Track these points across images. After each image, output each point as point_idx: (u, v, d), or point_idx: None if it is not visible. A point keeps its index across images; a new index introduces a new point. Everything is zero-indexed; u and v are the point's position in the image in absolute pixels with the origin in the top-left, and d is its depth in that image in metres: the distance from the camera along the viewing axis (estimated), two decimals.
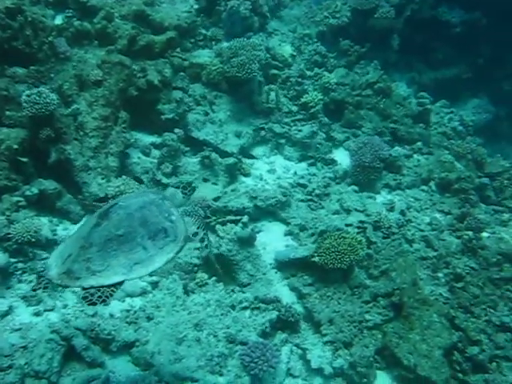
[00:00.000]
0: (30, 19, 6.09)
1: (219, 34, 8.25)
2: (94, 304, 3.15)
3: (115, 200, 3.71)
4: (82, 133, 5.86)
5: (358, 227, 6.44)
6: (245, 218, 6.13)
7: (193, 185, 4.13)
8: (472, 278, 6.02)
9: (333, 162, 7.70)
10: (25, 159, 5.52)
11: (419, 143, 8.41)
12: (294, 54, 8.80)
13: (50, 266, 3.31)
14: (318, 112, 8.11)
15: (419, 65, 11.06)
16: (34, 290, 3.37)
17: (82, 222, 3.57)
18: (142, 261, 3.38)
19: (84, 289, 3.19)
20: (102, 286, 3.21)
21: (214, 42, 8.14)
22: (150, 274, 5.02)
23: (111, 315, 5.07)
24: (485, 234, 6.83)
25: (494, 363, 5.33)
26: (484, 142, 9.92)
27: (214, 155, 6.81)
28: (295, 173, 7.41)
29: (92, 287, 3.20)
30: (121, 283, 3.33)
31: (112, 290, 3.22)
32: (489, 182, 7.86)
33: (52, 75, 6.11)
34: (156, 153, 6.75)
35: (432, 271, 6.24)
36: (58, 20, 6.97)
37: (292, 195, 6.88)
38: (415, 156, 8.25)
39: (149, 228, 3.50)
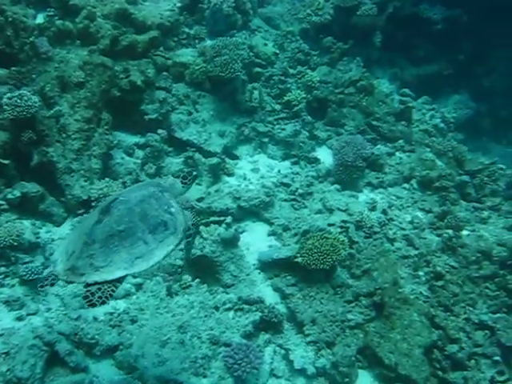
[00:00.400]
0: (10, 19, 6.06)
1: (202, 32, 8.23)
2: (94, 305, 3.25)
3: (116, 194, 3.80)
4: (64, 135, 5.84)
5: (341, 227, 6.51)
6: (228, 219, 6.18)
7: (194, 173, 4.19)
8: (452, 277, 6.13)
9: (316, 160, 7.75)
10: (6, 162, 5.50)
11: (401, 141, 8.49)
12: (277, 52, 8.80)
13: (56, 261, 3.45)
14: (301, 110, 8.15)
15: (401, 61, 11.13)
16: (41, 287, 3.47)
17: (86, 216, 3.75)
18: (143, 255, 3.49)
19: (88, 285, 3.29)
20: (106, 282, 3.31)
21: (197, 41, 8.12)
22: (134, 276, 5.07)
23: (95, 318, 5.09)
24: (465, 232, 6.93)
25: (473, 361, 5.45)
26: (465, 137, 10.05)
27: (197, 155, 6.83)
28: (279, 171, 7.44)
29: (96, 283, 3.33)
30: (123, 278, 3.46)
31: (112, 290, 3.32)
32: (469, 179, 7.97)
33: (34, 76, 6.07)
34: (140, 153, 6.75)
35: (413, 270, 6.33)
36: (40, 19, 6.90)
37: (275, 195, 6.93)
38: (397, 154, 8.33)
39: (149, 222, 3.61)
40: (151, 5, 7.88)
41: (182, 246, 3.90)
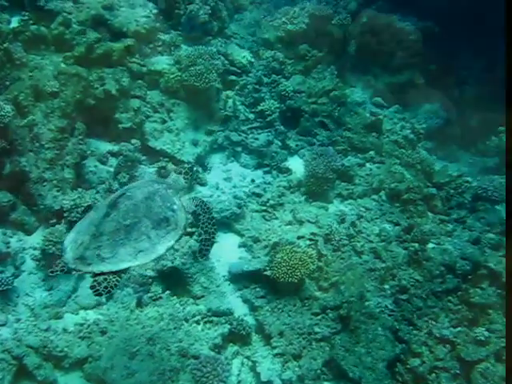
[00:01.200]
0: None
1: (178, 39, 8.25)
2: (100, 295, 3.52)
3: (123, 189, 4.07)
4: (37, 144, 5.84)
5: (310, 239, 6.64)
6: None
7: (194, 168, 4.40)
8: (416, 290, 6.32)
9: (288, 170, 7.86)
10: None
11: (372, 152, 8.64)
12: (252, 60, 8.89)
13: (66, 249, 3.71)
14: (275, 120, 8.24)
15: (375, 69, 11.32)
16: (52, 272, 3.71)
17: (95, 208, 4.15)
18: (145, 249, 3.87)
19: (95, 275, 3.48)
20: (111, 272, 3.68)
21: (172, 48, 8.15)
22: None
23: (65, 330, 5.14)
24: (430, 245, 7.13)
25: (434, 374, 5.65)
26: (435, 146, 10.30)
27: (170, 166, 6.89)
28: (251, 181, 7.54)
29: (102, 273, 3.67)
30: (126, 270, 3.80)
31: (117, 280, 3.61)
32: (436, 191, 8.18)
33: (7, 83, 6.05)
34: (113, 161, 6.77)
35: (379, 283, 6.49)
36: (14, 23, 6.86)
37: (247, 205, 7.02)
38: (368, 165, 8.48)
39: (152, 218, 3.95)
40: (127, 10, 7.87)
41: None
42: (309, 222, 6.98)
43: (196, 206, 4.40)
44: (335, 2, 11.08)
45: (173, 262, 5.82)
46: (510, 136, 8.87)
